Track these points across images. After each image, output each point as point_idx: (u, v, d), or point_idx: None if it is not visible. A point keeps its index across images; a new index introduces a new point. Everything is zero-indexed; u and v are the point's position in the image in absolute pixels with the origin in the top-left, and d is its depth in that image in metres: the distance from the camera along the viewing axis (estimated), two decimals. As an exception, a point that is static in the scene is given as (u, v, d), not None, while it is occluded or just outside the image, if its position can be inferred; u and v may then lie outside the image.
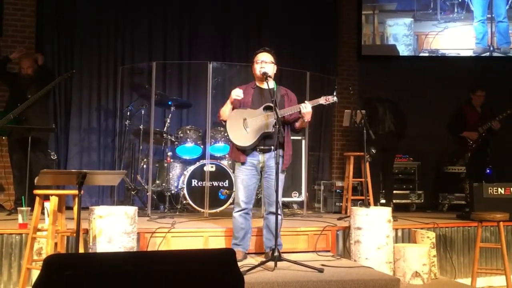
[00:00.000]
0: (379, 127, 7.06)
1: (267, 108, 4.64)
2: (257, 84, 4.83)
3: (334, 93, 4.63)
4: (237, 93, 4.70)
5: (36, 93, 6.26)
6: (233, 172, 5.50)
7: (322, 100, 4.60)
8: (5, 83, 6.73)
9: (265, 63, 4.72)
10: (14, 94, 6.43)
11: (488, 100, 7.22)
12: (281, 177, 4.65)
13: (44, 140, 6.61)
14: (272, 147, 4.62)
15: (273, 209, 4.57)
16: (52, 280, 1.75)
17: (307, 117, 4.56)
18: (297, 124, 4.73)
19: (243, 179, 4.70)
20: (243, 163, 4.70)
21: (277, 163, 4.40)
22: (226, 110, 4.77)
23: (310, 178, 7.87)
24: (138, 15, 8.02)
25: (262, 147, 4.67)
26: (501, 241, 5.27)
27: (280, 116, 4.46)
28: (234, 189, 4.91)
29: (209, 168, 6.51)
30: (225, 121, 4.80)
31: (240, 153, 4.70)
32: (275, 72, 4.85)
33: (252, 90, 4.81)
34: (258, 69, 4.74)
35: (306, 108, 4.52)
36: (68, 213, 4.64)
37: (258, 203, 6.28)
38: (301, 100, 4.79)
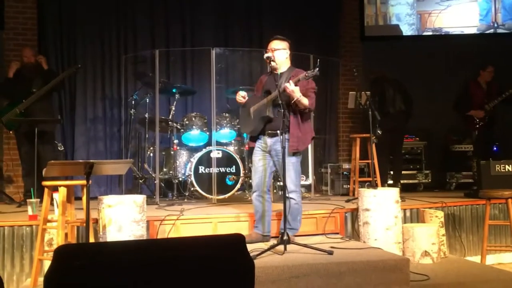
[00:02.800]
0: (389, 107, 7.03)
1: (267, 93, 4.73)
2: (269, 70, 4.91)
3: (317, 66, 4.46)
4: (241, 96, 4.88)
5: (41, 86, 6.28)
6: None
7: (302, 76, 4.52)
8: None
9: (275, 50, 4.75)
10: (19, 86, 6.44)
11: (493, 77, 7.18)
12: (292, 159, 4.65)
13: (51, 132, 6.64)
14: (278, 131, 4.61)
15: (285, 193, 4.60)
16: (63, 269, 1.76)
17: (293, 96, 4.48)
18: (299, 105, 4.68)
19: (253, 162, 4.88)
20: (253, 148, 4.88)
21: (283, 147, 4.40)
22: None
23: (316, 161, 7.86)
24: (140, 3, 7.99)
25: (268, 131, 4.72)
26: (509, 218, 5.27)
27: (272, 97, 4.59)
28: None
29: (215, 154, 6.52)
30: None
31: (251, 140, 4.93)
32: (287, 57, 4.84)
33: (266, 77, 4.93)
34: (265, 55, 4.78)
35: (289, 87, 4.47)
36: (77, 204, 4.65)
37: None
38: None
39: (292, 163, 4.64)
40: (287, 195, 4.59)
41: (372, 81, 7.44)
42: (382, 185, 6.85)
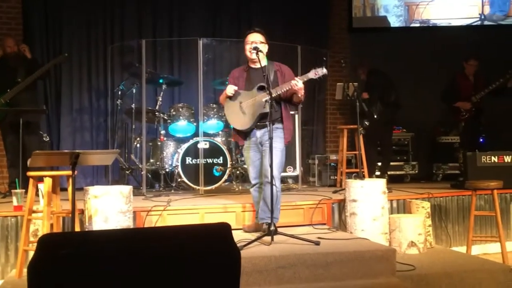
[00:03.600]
0: (384, 99, 7.07)
1: (261, 88, 4.69)
2: (250, 65, 4.85)
3: (323, 66, 4.60)
4: (231, 91, 4.78)
5: (25, 75, 6.21)
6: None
7: (311, 75, 4.58)
8: None
9: (255, 43, 4.71)
10: (3, 77, 6.36)
11: (480, 69, 7.20)
12: (281, 147, 4.70)
13: (36, 122, 6.58)
14: (267, 123, 4.61)
15: (265, 180, 4.64)
16: (47, 259, 1.74)
17: (301, 93, 4.59)
18: (294, 99, 4.74)
19: (249, 157, 4.83)
20: (244, 144, 4.86)
21: (270, 138, 4.39)
22: (223, 99, 4.94)
23: (304, 153, 7.87)
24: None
25: (258, 123, 4.72)
26: (495, 208, 5.31)
27: (275, 94, 4.53)
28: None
29: (203, 145, 6.49)
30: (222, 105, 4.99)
31: (239, 135, 4.86)
32: (266, 51, 4.83)
33: (244, 72, 4.86)
34: (248, 49, 4.74)
35: (298, 84, 4.52)
36: (63, 195, 4.63)
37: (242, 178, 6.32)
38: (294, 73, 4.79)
39: (281, 150, 4.68)
40: (267, 181, 4.62)
41: (369, 73, 7.41)
42: (370, 176, 6.87)
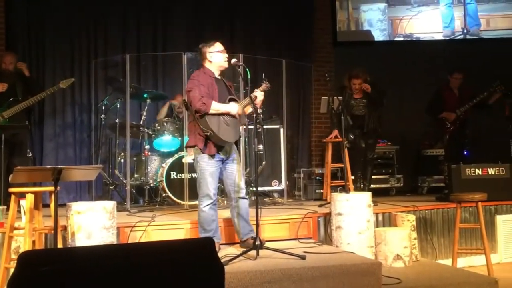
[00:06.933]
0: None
1: (231, 101, 4.67)
2: (216, 75, 4.73)
3: (265, 81, 4.67)
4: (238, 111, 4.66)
5: (24, 94, 6.28)
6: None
7: (266, 87, 4.65)
8: None
9: (226, 52, 4.73)
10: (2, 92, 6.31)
11: (465, 82, 7.26)
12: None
13: (26, 143, 6.61)
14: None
15: (241, 194, 4.65)
16: (27, 276, 1.71)
17: (259, 105, 4.67)
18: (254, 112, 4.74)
19: (212, 171, 4.58)
20: (213, 156, 4.57)
21: (255, 152, 4.41)
22: (215, 106, 4.54)
23: (289, 166, 7.86)
24: (110, 7, 7.89)
25: None
26: (479, 221, 5.33)
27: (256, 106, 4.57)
28: (198, 182, 4.67)
29: (188, 159, 6.46)
30: (203, 113, 4.53)
31: (213, 146, 4.56)
32: None
33: (213, 80, 4.67)
34: (224, 58, 4.69)
35: (260, 96, 4.59)
36: (46, 211, 4.56)
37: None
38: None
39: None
40: (242, 196, 4.66)
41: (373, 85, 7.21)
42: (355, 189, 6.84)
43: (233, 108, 4.61)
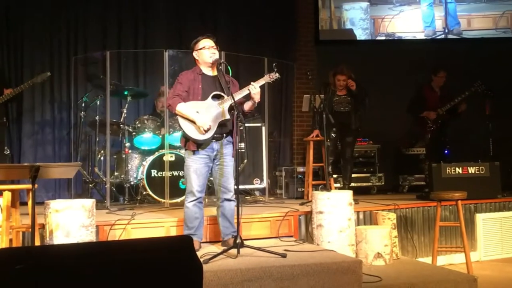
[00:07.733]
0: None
1: (216, 97, 4.57)
2: (204, 71, 4.69)
3: (275, 70, 4.61)
4: (206, 128, 4.48)
5: None
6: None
7: (266, 78, 4.59)
8: None
9: (214, 48, 4.66)
10: None
11: (447, 82, 7.32)
12: (233, 163, 4.66)
13: (3, 141, 6.48)
14: (224, 134, 4.62)
15: (228, 196, 4.62)
16: (1, 274, 1.67)
17: (257, 98, 4.56)
18: (246, 107, 4.67)
19: (197, 168, 4.56)
20: (195, 152, 4.55)
21: (237, 150, 4.38)
22: (181, 109, 4.52)
23: (271, 165, 7.85)
24: (91, 2, 7.79)
25: (216, 135, 4.56)
26: (459, 219, 5.37)
27: (236, 99, 4.45)
28: (185, 179, 4.75)
29: (168, 157, 6.41)
30: (175, 113, 4.63)
31: (193, 142, 4.55)
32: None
33: (199, 77, 4.66)
34: (208, 55, 4.63)
35: (256, 88, 4.51)
36: (24, 209, 4.49)
37: (208, 191, 6.24)
38: (245, 85, 4.71)
39: (233, 165, 4.64)
40: (229, 197, 4.62)
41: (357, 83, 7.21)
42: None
43: (199, 119, 4.45)
